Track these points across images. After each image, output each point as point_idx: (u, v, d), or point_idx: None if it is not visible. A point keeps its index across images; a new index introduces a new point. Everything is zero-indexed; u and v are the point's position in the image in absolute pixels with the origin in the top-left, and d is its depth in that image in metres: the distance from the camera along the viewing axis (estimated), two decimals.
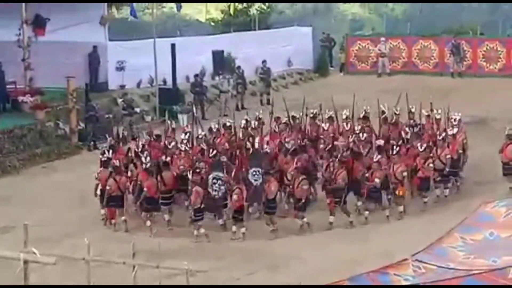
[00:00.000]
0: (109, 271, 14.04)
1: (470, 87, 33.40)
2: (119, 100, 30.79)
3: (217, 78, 34.23)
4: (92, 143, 28.13)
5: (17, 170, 25.95)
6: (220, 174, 20.45)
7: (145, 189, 20.53)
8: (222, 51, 35.14)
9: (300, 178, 20.45)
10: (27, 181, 24.99)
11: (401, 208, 21.14)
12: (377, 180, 20.94)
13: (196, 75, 32.62)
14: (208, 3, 47.26)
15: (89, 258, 10.33)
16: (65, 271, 14.48)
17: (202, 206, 20.04)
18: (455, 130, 23.23)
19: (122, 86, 32.04)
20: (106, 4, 32.95)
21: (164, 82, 32.59)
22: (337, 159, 21.20)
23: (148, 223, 20.50)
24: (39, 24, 29.75)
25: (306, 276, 16.63)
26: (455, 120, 24.06)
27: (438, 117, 24.53)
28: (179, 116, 30.26)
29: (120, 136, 24.73)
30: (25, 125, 27.20)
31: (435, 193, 22.22)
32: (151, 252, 15.17)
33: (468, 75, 35.62)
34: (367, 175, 21.22)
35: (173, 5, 41.42)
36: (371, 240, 19.27)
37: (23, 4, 28.47)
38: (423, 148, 22.05)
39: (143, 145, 22.72)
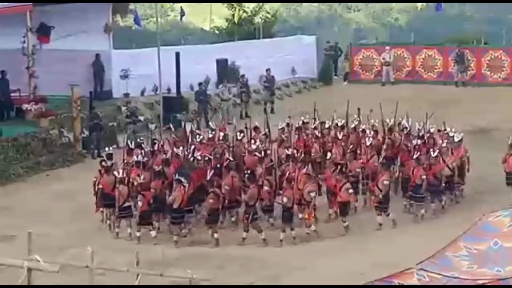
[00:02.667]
0: (112, 280, 14.01)
1: (474, 97, 33.36)
2: (123, 108, 30.81)
3: (220, 86, 34.24)
4: (96, 151, 28.12)
5: (21, 178, 25.95)
6: (182, 179, 20.76)
7: (100, 186, 21.39)
8: (226, 60, 35.13)
9: (210, 191, 20.55)
10: (31, 189, 24.99)
11: (307, 230, 20.31)
12: (285, 199, 20.13)
13: (200, 84, 32.62)
14: (213, 12, 47.26)
15: (92, 266, 10.30)
16: (68, 280, 14.47)
17: (126, 204, 20.85)
18: (434, 153, 22.02)
19: (126, 94, 32.06)
20: (110, 12, 32.99)
21: (168, 90, 32.58)
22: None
23: (108, 221, 21.47)
24: (43, 32, 29.83)
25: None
26: (449, 139, 23.29)
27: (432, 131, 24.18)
28: (183, 124, 30.23)
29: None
30: (29, 133, 27.22)
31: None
32: (154, 261, 15.16)
33: (472, 84, 35.55)
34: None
35: (177, 13, 41.53)
36: (373, 250, 19.18)
37: (28, 12, 28.51)
38: (338, 169, 21.05)
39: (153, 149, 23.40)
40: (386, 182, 21.01)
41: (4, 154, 25.95)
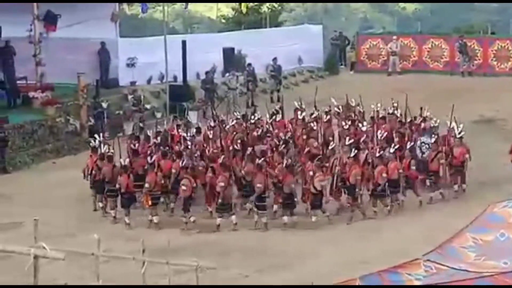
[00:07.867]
0: (118, 268, 14.01)
1: (480, 87, 33.30)
2: (129, 97, 30.81)
3: (227, 75, 34.24)
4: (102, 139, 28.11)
5: (27, 165, 25.99)
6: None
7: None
8: (233, 48, 35.12)
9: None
10: (37, 177, 25.02)
11: (151, 218, 20.48)
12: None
13: (207, 72, 32.61)
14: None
15: (98, 253, 10.27)
16: (73, 268, 14.48)
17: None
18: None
19: (133, 83, 32.06)
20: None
21: (175, 79, 32.59)
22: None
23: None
24: (50, 20, 29.83)
25: (316, 274, 16.59)
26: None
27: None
28: (189, 113, 30.24)
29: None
30: (35, 121, 27.26)
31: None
32: (159, 249, 15.14)
33: (478, 74, 35.52)
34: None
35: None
36: (375, 240, 19.15)
37: None
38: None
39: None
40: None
41: (10, 141, 25.98)
